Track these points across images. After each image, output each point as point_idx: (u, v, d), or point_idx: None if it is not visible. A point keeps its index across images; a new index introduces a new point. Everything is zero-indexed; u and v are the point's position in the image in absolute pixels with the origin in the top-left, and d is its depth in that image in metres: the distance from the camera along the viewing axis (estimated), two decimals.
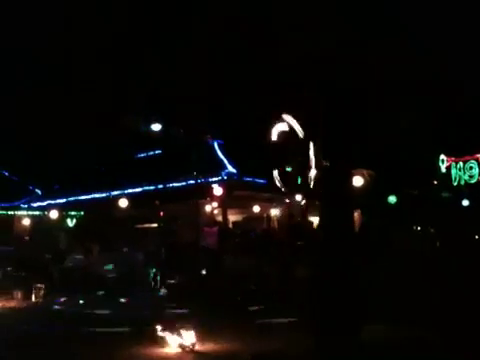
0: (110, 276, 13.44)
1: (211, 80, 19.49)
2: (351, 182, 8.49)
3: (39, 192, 20.41)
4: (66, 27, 20.10)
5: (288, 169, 15.35)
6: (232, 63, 19.40)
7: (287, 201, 17.24)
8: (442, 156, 19.84)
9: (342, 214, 7.43)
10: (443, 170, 20.25)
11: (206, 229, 14.44)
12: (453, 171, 19.71)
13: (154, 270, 13.50)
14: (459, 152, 19.51)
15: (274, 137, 14.86)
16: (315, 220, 17.74)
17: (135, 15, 20.23)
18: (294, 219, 15.63)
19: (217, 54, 19.61)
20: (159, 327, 7.72)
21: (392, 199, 16.58)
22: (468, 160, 19.42)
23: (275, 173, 15.06)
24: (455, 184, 19.65)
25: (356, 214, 18.64)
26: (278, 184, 15.41)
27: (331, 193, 7.61)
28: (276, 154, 15.11)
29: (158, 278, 13.27)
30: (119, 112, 19.79)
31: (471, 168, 19.09)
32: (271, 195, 17.35)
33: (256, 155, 16.80)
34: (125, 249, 14.94)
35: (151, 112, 19.07)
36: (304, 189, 15.05)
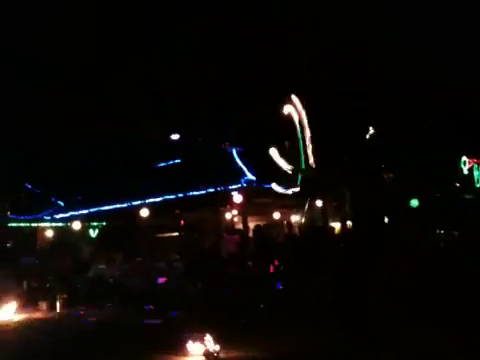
0: (134, 285, 13.52)
1: (225, 86, 19.62)
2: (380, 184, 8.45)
3: (62, 204, 20.66)
4: (66, 27, 20.34)
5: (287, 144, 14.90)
6: (245, 67, 19.48)
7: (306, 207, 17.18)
8: (464, 158, 19.57)
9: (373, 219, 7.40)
10: (465, 172, 19.97)
11: (226, 236, 14.48)
12: (475, 173, 19.42)
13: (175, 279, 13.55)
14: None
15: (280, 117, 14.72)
16: (336, 225, 17.65)
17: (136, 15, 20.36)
18: (315, 225, 15.55)
19: (229, 58, 19.74)
20: (183, 335, 7.75)
21: (414, 203, 16.38)
22: None
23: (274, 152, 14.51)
24: (478, 186, 19.35)
25: None
26: (278, 161, 14.81)
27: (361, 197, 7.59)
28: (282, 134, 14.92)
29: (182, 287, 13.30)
30: (135, 120, 19.92)
31: None
32: (291, 201, 17.31)
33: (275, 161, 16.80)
34: (146, 259, 15.03)
35: (169, 122, 19.22)
36: (303, 173, 14.80)
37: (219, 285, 12.40)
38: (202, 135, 17.97)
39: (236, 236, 15.07)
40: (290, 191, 14.69)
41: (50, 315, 12.25)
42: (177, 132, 17.84)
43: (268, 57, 18.68)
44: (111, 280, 14.01)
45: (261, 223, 16.47)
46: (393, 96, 17.99)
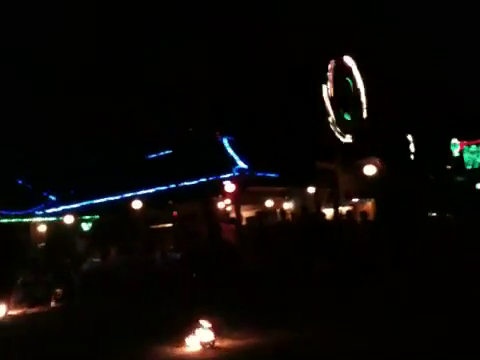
0: (129, 278, 13.49)
1: (218, 75, 19.59)
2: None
3: (53, 198, 20.57)
4: (66, 26, 20.21)
5: (346, 116, 16.43)
6: (238, 59, 19.48)
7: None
8: (454, 140, 19.66)
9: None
10: (456, 154, 20.05)
11: (224, 226, 14.48)
12: (466, 155, 19.54)
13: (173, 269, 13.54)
14: (471, 135, 19.32)
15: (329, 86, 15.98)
16: (329, 212, 17.69)
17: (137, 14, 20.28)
18: (308, 212, 15.56)
19: (224, 50, 19.70)
20: (179, 325, 7.76)
21: None
22: None
23: (331, 118, 16.11)
24: (469, 167, 19.46)
25: (370, 203, 18.58)
26: (333, 129, 16.40)
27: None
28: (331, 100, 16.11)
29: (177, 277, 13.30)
30: (127, 113, 19.88)
31: None
32: (283, 189, 17.33)
33: (267, 149, 16.79)
34: (141, 250, 15.00)
35: (160, 112, 19.16)
36: (358, 132, 16.14)
37: (215, 274, 12.41)
38: (193, 125, 17.94)
39: (232, 225, 15.09)
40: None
41: (45, 310, 12.23)
42: (169, 123, 17.80)
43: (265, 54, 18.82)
44: (106, 273, 13.97)
45: (254, 211, 16.49)
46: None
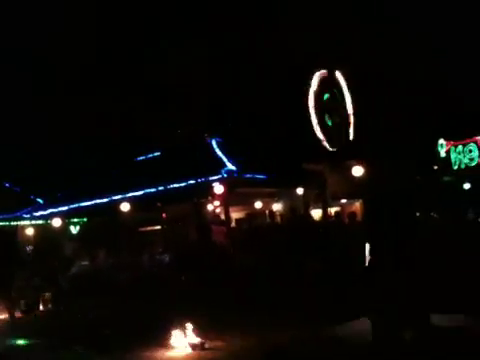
0: (118, 280, 13.45)
1: (209, 77, 19.63)
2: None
3: (41, 201, 20.44)
4: (66, 26, 20.15)
5: (329, 123, 16.48)
6: (232, 60, 19.54)
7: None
8: (441, 140, 19.81)
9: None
10: (443, 154, 20.22)
11: (214, 228, 14.48)
12: (453, 155, 19.69)
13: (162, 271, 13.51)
14: (457, 135, 19.50)
15: (311, 95, 16.02)
16: (317, 213, 17.77)
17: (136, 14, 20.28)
18: (297, 213, 15.62)
19: (217, 52, 19.75)
20: (168, 328, 7.76)
21: None
22: (467, 143, 19.39)
23: (317, 130, 16.08)
24: (455, 168, 19.62)
25: (358, 204, 18.67)
26: (321, 138, 16.43)
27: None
28: (316, 110, 16.14)
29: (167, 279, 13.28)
30: (118, 114, 19.84)
31: (471, 151, 19.06)
32: (272, 190, 17.36)
33: (255, 151, 16.83)
34: (129, 253, 14.96)
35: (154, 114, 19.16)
36: (345, 143, 16.17)
37: (205, 275, 12.40)
38: (191, 124, 17.99)
39: (223, 227, 15.11)
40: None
41: (33, 314, 12.14)
42: (167, 122, 17.84)
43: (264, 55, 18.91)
44: (95, 276, 13.91)
45: (243, 213, 16.51)
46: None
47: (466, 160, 19.45)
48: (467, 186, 18.17)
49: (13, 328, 10.78)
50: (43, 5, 19.91)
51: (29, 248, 17.55)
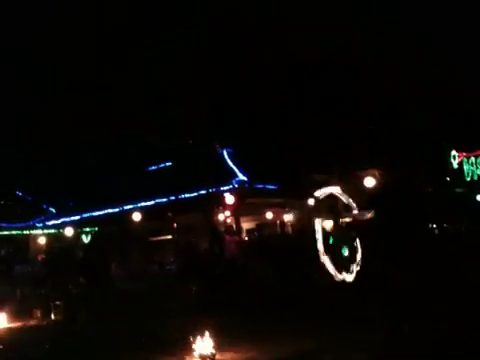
0: (129, 289, 13.47)
1: (219, 86, 19.67)
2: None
3: (53, 210, 20.58)
4: (65, 26, 20.29)
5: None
6: (239, 68, 19.57)
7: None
8: (453, 152, 19.69)
9: None
10: (455, 166, 20.07)
11: (227, 238, 14.51)
12: (465, 166, 19.55)
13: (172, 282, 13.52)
14: (470, 147, 19.37)
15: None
16: (328, 223, 17.66)
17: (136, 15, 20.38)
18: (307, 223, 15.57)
19: (227, 58, 19.80)
20: (179, 338, 7.74)
21: None
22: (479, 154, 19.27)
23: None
24: (468, 179, 19.47)
25: (369, 215, 18.57)
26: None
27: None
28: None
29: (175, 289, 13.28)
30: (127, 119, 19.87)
31: None
32: (283, 200, 17.36)
33: (266, 161, 16.85)
34: (141, 262, 15.00)
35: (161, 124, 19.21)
36: None
37: (215, 286, 12.39)
38: (192, 137, 18.01)
39: (236, 237, 15.13)
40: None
41: (44, 323, 12.16)
42: (169, 134, 17.87)
43: (266, 57, 18.87)
44: (105, 285, 13.94)
45: (254, 223, 16.52)
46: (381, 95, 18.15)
47: (479, 171, 19.29)
48: None
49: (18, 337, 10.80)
50: (43, 5, 20.08)
51: (41, 257, 17.64)
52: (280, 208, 17.84)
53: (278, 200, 17.08)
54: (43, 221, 19.41)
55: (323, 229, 12.67)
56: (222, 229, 16.21)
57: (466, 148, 19.71)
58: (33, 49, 20.49)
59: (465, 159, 19.50)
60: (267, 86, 19.05)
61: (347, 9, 19.37)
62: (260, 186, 16.03)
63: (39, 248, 18.65)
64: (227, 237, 14.30)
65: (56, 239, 18.57)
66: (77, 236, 18.60)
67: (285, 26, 19.04)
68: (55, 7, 20.46)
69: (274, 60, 18.89)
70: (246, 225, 17.31)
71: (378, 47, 18.81)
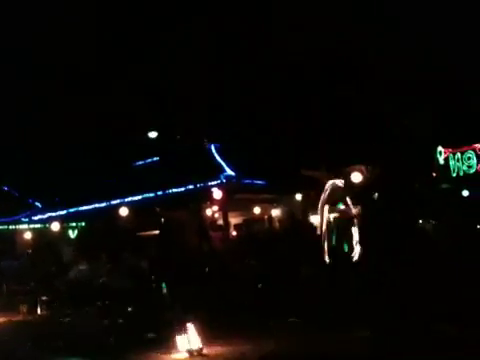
0: (117, 286, 13.42)
1: (209, 81, 19.63)
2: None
3: (39, 205, 20.44)
4: (65, 26, 20.16)
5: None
6: (231, 63, 19.56)
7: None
8: (439, 148, 19.83)
9: None
10: (441, 162, 20.24)
11: (211, 233, 14.54)
12: (451, 162, 19.68)
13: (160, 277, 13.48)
14: (456, 143, 19.52)
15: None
16: (315, 219, 17.77)
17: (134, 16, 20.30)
18: (295, 218, 15.65)
19: (217, 54, 19.77)
20: (167, 333, 7.75)
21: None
22: (466, 150, 19.41)
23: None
24: (454, 175, 19.62)
25: (356, 211, 18.68)
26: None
27: None
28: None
29: (163, 285, 13.26)
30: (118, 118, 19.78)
31: (469, 158, 19.07)
32: (271, 196, 17.39)
33: (254, 157, 16.87)
34: (128, 257, 14.93)
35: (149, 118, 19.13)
36: None
37: (202, 281, 12.39)
38: (180, 132, 17.97)
39: (219, 233, 15.14)
40: None
41: (30, 318, 12.10)
42: (156, 129, 17.80)
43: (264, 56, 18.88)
44: (93, 281, 13.88)
45: (242, 218, 16.54)
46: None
47: (464, 167, 19.46)
48: (466, 193, 18.18)
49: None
50: (43, 5, 19.93)
51: (27, 252, 17.51)
52: (268, 203, 17.88)
53: (266, 195, 17.12)
54: (29, 216, 19.27)
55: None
56: (208, 224, 16.22)
57: (452, 144, 19.87)
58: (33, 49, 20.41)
59: (451, 155, 19.64)
60: (256, 83, 19.05)
61: (347, 9, 19.41)
62: (248, 181, 16.05)
63: (25, 243, 18.52)
64: (212, 233, 14.33)
65: (42, 234, 18.44)
66: (63, 231, 18.48)
67: (281, 25, 19.09)
68: (55, 7, 20.32)
69: (264, 58, 18.89)
70: (234, 220, 17.32)
71: (378, 47, 18.90)
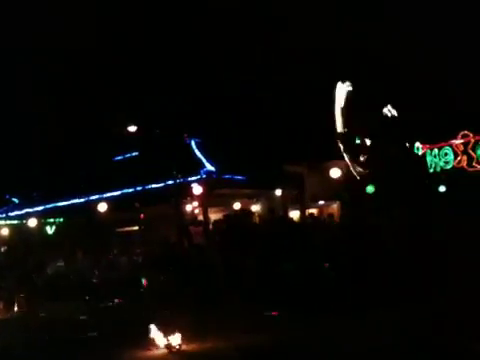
0: (94, 281, 13.32)
1: (191, 75, 19.60)
2: None
3: (16, 201, 20.12)
4: (65, 25, 19.91)
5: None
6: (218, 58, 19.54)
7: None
8: (417, 143, 20.05)
9: None
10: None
11: (192, 228, 14.51)
12: (428, 158, 19.91)
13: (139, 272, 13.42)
14: (433, 139, 19.74)
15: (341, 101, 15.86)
16: (295, 214, 17.87)
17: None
18: (275, 214, 15.69)
19: (207, 48, 19.73)
20: (146, 329, 7.72)
21: (370, 189, 16.74)
22: (443, 146, 19.64)
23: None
24: (431, 171, 19.85)
25: (335, 206, 18.84)
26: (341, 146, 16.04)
27: None
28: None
29: (143, 280, 13.19)
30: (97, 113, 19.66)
31: (446, 154, 19.28)
32: (251, 191, 17.41)
33: (234, 152, 16.84)
34: (106, 253, 14.84)
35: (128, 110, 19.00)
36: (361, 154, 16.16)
37: (180, 276, 12.36)
38: (160, 126, 17.85)
39: (200, 228, 15.12)
40: None
41: (8, 316, 11.95)
42: (135, 124, 17.64)
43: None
44: (71, 276, 13.75)
45: (222, 214, 16.51)
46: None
47: (441, 163, 19.70)
48: (442, 189, 18.43)
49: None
50: (43, 5, 19.69)
51: (3, 249, 17.25)
52: (248, 199, 17.90)
53: (246, 191, 17.12)
54: (6, 212, 18.96)
55: None
56: (187, 220, 16.19)
57: (429, 140, 20.09)
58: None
59: (428, 151, 19.85)
60: (238, 78, 19.07)
61: (347, 9, 19.47)
62: (228, 177, 16.02)
63: (2, 239, 18.22)
64: (191, 228, 14.32)
65: (19, 230, 18.17)
66: (40, 227, 18.23)
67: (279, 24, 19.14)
68: (55, 7, 20.06)
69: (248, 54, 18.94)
70: (214, 216, 17.28)
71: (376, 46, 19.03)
